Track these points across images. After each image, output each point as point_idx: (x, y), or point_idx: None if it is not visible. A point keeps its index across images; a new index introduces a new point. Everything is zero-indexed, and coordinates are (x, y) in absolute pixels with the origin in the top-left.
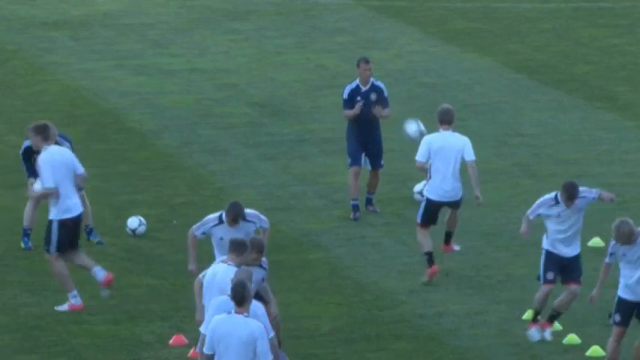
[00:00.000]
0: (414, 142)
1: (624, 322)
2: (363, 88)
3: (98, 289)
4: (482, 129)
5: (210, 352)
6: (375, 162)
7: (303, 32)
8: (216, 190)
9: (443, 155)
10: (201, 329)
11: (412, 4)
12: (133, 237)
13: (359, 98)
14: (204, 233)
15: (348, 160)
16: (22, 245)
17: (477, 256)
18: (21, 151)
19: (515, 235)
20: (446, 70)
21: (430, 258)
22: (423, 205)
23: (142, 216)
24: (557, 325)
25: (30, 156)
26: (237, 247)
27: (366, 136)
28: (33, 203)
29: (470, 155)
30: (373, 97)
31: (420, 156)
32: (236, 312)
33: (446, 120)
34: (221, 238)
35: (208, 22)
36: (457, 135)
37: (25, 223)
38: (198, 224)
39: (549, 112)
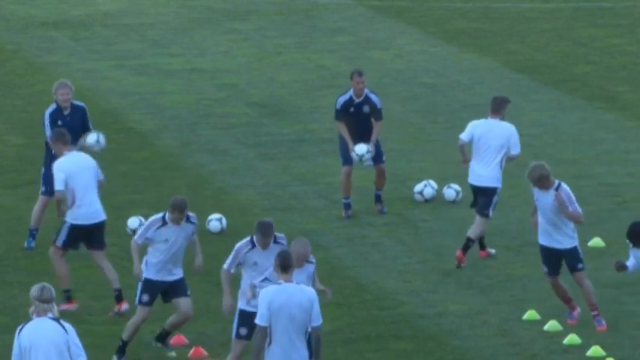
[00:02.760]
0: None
1: (552, 272)
2: (356, 100)
3: (98, 289)
4: None
5: (266, 325)
6: (376, 160)
7: (303, 32)
8: (217, 190)
9: None
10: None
11: (412, 4)
12: (133, 237)
13: (352, 110)
14: (239, 264)
15: (341, 160)
16: (25, 245)
17: (477, 256)
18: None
19: (515, 235)
20: (446, 70)
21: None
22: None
23: (142, 216)
24: (557, 325)
25: (56, 120)
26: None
27: (359, 141)
28: (41, 204)
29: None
30: (366, 109)
31: None
32: (285, 281)
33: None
34: (255, 263)
35: (208, 22)
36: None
37: (32, 222)
38: (229, 261)
39: (549, 112)
